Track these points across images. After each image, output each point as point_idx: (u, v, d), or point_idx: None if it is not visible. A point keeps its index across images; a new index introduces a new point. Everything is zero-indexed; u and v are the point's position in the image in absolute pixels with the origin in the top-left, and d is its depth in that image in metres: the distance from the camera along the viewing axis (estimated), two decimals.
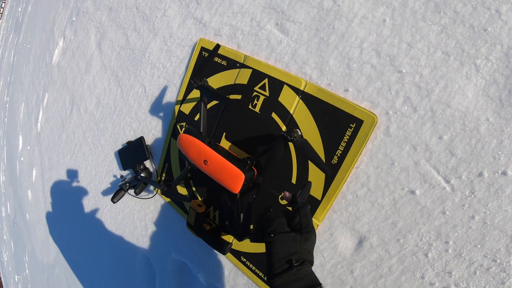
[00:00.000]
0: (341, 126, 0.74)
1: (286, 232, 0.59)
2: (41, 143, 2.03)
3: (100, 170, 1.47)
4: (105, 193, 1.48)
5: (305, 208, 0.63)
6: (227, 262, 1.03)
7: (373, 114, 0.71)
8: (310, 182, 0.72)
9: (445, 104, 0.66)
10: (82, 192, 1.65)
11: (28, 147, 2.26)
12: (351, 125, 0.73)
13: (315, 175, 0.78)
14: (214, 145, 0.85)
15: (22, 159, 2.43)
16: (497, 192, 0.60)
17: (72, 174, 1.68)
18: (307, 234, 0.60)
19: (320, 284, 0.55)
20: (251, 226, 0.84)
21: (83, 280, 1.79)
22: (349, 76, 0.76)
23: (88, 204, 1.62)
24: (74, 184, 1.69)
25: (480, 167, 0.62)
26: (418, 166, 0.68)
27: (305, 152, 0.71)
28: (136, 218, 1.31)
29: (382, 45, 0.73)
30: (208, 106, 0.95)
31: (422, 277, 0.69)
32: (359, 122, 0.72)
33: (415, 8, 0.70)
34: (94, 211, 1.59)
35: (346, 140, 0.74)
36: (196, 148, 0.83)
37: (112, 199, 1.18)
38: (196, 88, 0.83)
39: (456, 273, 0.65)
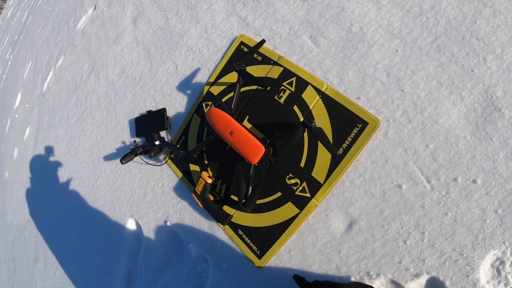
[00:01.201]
0: (349, 124, 0.91)
1: None
2: (43, 103, 2.05)
3: (107, 135, 1.53)
4: (107, 158, 1.53)
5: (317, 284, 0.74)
6: (220, 235, 1.12)
7: (377, 119, 0.89)
8: None
9: (433, 121, 0.85)
10: (79, 155, 1.68)
11: (27, 105, 2.25)
12: (358, 125, 0.90)
13: (321, 162, 0.94)
14: (240, 121, 0.99)
15: (16, 116, 2.39)
16: (467, 196, 0.76)
17: (73, 136, 1.72)
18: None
19: None
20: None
21: (56, 245, 1.76)
22: (363, 87, 0.95)
23: (83, 168, 1.65)
24: (73, 146, 1.72)
25: (456, 173, 0.78)
26: (407, 166, 0.85)
27: (320, 137, 0.86)
28: (136, 186, 1.38)
29: (392, 68, 0.93)
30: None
31: (399, 262, 0.81)
32: (364, 124, 0.90)
33: (422, 45, 0.91)
34: (89, 175, 1.62)
35: (352, 136, 0.90)
36: (224, 121, 0.96)
37: (121, 160, 1.25)
38: (236, 71, 0.98)
39: (428, 261, 0.77)
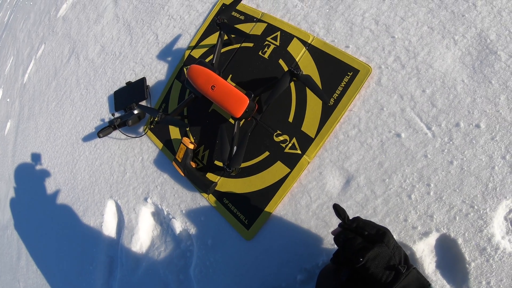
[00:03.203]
0: (339, 73, 0.80)
1: (370, 248, 0.51)
2: (24, 94, 1.86)
3: (87, 115, 1.37)
4: (86, 138, 1.36)
5: (361, 220, 0.57)
6: (204, 207, 0.97)
7: (368, 65, 0.78)
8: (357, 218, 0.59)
9: (428, 65, 0.75)
10: (59, 140, 1.50)
11: (8, 100, 2.05)
12: (348, 73, 0.79)
13: (311, 115, 0.81)
14: (222, 76, 0.86)
15: None
16: (472, 142, 0.65)
17: (53, 121, 1.54)
18: (385, 235, 0.53)
19: (430, 283, 0.51)
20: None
21: (37, 240, 1.56)
22: (351, 36, 0.84)
23: (62, 153, 1.47)
24: (52, 132, 1.54)
25: (457, 118, 0.68)
26: (404, 113, 0.74)
27: (308, 83, 0.74)
28: (115, 163, 1.21)
29: (380, 16, 0.83)
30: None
31: (405, 219, 0.68)
32: (355, 71, 0.78)
33: None
34: (68, 160, 1.44)
35: (343, 86, 0.79)
36: (205, 76, 0.83)
37: (98, 133, 1.09)
38: (218, 25, 0.86)
39: (437, 217, 0.65)
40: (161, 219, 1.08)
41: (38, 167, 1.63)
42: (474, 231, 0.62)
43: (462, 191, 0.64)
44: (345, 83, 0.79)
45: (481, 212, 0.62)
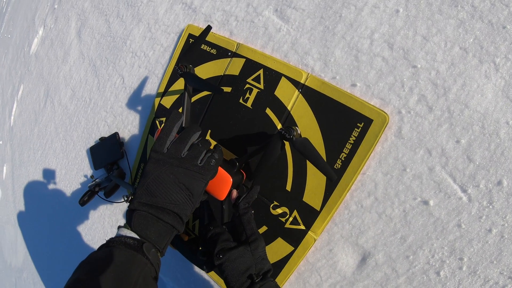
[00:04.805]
0: (347, 126, 0.59)
1: (234, 248, 0.51)
2: (13, 138, 1.74)
3: (70, 169, 1.23)
4: (74, 194, 1.23)
5: (247, 214, 0.55)
6: (205, 278, 0.83)
7: (384, 112, 0.56)
8: (257, 186, 0.60)
9: (463, 104, 0.53)
10: (51, 192, 1.38)
11: (0, 142, 1.94)
12: (358, 124, 0.58)
13: (314, 182, 0.62)
14: None
15: None
16: None
17: (42, 172, 1.42)
18: (255, 242, 0.53)
19: None
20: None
21: (53, 285, 1.51)
22: (358, 69, 0.62)
23: (57, 205, 1.36)
24: (43, 183, 1.43)
25: (500, 174, 0.50)
26: (433, 173, 0.54)
27: (306, 153, 0.54)
28: (107, 224, 1.08)
29: (395, 37, 0.60)
30: (193, 99, 0.77)
31: None
32: (368, 122, 0.57)
33: (430, 0, 0.58)
34: (63, 213, 1.33)
35: (352, 142, 0.58)
36: None
37: (79, 202, 0.95)
38: (181, 75, 0.65)
39: None
40: (162, 285, 0.96)
41: (38, 215, 1.54)
42: None
43: (500, 262, 0.50)
44: (354, 138, 0.58)
45: None
